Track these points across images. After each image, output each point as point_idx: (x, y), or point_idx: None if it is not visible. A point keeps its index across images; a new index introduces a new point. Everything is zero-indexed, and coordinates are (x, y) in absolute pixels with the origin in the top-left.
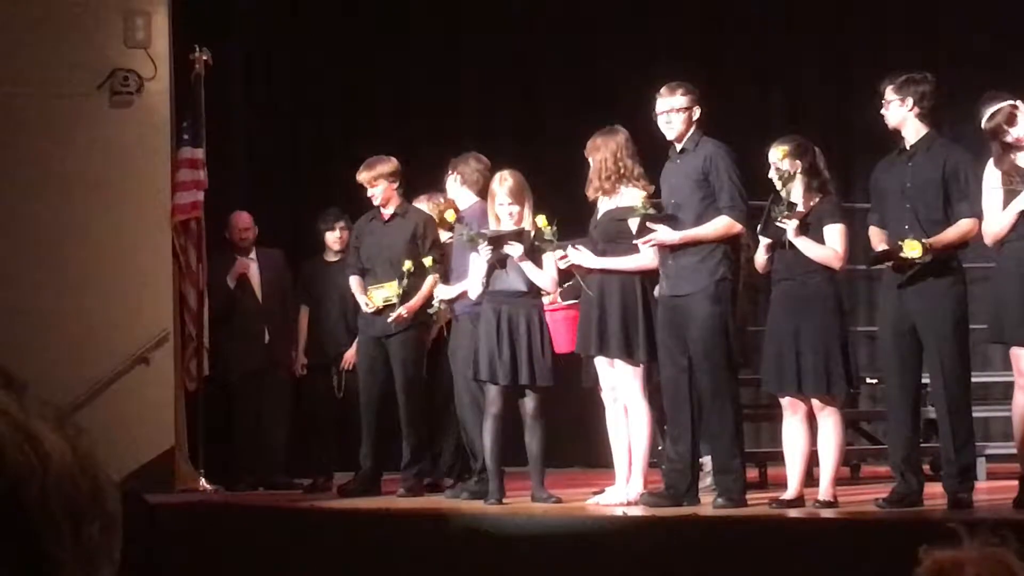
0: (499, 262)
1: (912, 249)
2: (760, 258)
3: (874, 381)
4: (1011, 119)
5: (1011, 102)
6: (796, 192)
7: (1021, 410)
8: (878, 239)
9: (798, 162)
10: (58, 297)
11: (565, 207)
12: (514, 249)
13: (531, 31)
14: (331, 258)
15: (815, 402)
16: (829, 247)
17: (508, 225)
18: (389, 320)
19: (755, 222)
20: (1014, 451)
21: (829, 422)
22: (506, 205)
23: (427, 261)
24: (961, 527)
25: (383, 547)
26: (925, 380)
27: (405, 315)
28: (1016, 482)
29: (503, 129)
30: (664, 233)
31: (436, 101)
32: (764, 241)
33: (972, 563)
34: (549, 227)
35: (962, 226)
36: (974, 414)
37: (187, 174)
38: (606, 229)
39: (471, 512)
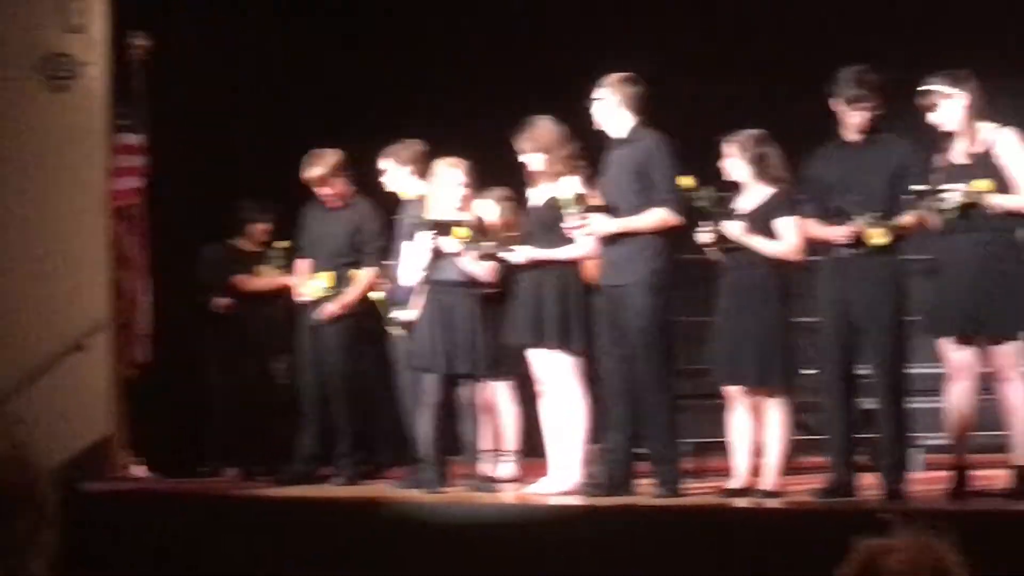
0: (437, 253)
1: (880, 238)
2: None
3: (810, 372)
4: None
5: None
6: (752, 188)
7: (954, 402)
8: (816, 229)
9: (744, 157)
10: None
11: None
12: (449, 244)
13: (475, 17)
14: (251, 248)
15: (761, 393)
16: (785, 241)
17: (452, 210)
18: (315, 315)
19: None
20: (948, 442)
21: (775, 413)
22: (459, 186)
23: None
24: (896, 517)
25: (320, 535)
26: (861, 371)
27: (335, 310)
28: (950, 473)
29: (442, 121)
30: (598, 222)
31: (384, 89)
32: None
33: (900, 551)
34: (468, 232)
35: (913, 216)
36: (910, 405)
37: (126, 160)
38: (543, 217)
39: (408, 500)
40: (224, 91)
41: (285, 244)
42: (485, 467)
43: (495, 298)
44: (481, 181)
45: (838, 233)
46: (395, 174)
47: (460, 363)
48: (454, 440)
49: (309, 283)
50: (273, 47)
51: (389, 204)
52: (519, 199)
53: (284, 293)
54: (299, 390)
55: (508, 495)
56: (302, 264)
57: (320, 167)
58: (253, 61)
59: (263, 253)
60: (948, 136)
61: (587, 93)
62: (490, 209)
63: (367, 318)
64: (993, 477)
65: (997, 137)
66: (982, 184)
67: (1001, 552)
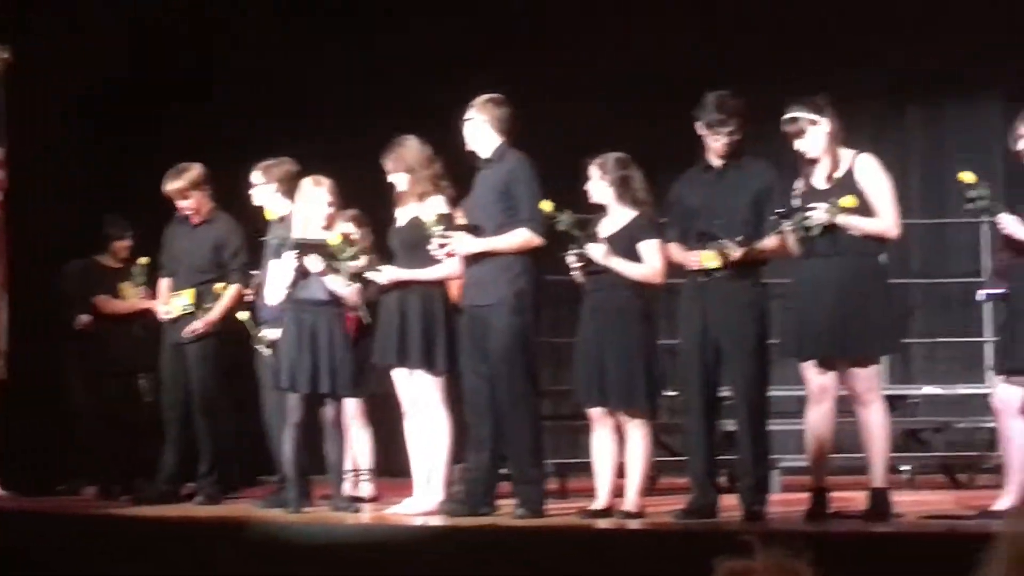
0: (302, 272)
1: (709, 260)
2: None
3: (673, 393)
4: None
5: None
6: (615, 211)
7: (813, 424)
8: (677, 253)
9: (607, 179)
10: None
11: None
12: (314, 263)
13: (341, 38)
14: (114, 264)
15: (623, 415)
16: (647, 264)
17: (317, 229)
18: (178, 332)
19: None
20: (807, 464)
21: (637, 434)
22: (324, 205)
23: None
24: (756, 539)
25: (181, 555)
26: (723, 392)
27: (201, 329)
28: (808, 495)
29: (309, 138)
30: (461, 242)
31: (238, 103)
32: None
33: (760, 572)
34: (348, 248)
35: (775, 240)
36: (769, 427)
37: None
38: (409, 236)
39: (271, 521)
40: (86, 104)
41: (146, 261)
42: (348, 487)
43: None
44: (347, 201)
45: (694, 257)
46: (264, 190)
47: (323, 382)
48: (318, 459)
49: (171, 300)
50: (138, 61)
51: (259, 221)
52: (383, 219)
53: (147, 311)
54: (162, 408)
55: (370, 515)
56: (164, 281)
57: (180, 180)
58: (117, 75)
59: (126, 270)
60: (809, 162)
61: (457, 113)
62: (346, 230)
63: (231, 336)
64: (851, 499)
65: (857, 162)
66: (848, 200)
67: (857, 574)
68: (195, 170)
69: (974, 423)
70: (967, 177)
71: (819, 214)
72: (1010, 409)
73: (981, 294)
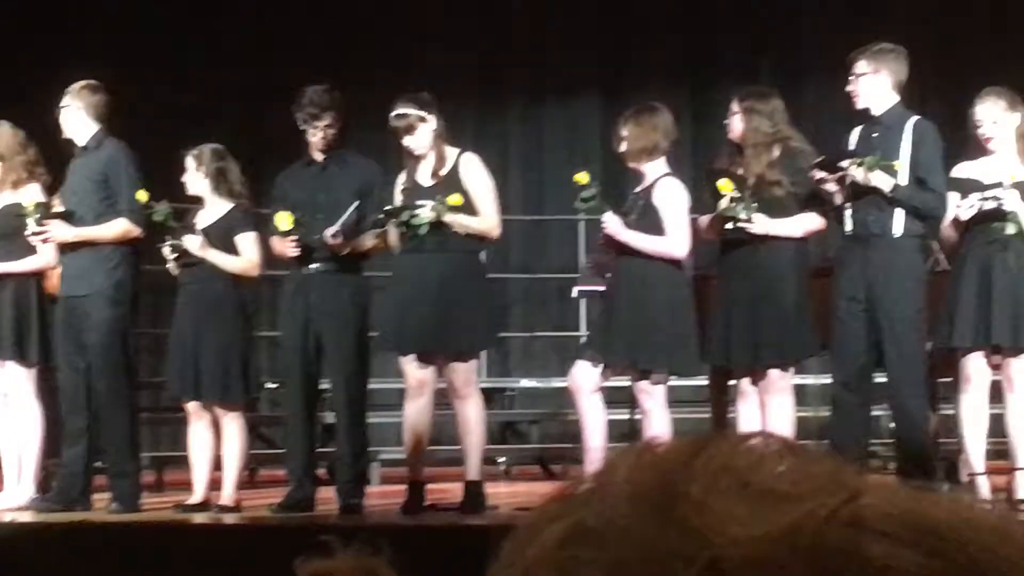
0: None
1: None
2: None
3: (273, 385)
4: None
5: None
6: (212, 203)
7: (411, 417)
8: (277, 245)
9: (203, 171)
10: None
11: None
12: None
13: None
14: None
15: (218, 408)
16: (244, 256)
17: None
18: None
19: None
20: (405, 456)
21: (232, 427)
22: None
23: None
24: (335, 539)
25: None
26: (324, 385)
27: None
28: (406, 487)
29: None
30: (58, 230)
31: None
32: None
33: (340, 572)
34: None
35: (376, 237)
36: (369, 420)
37: None
38: (3, 224)
39: None
40: None
41: None
42: None
43: None
44: None
45: (293, 249)
46: None
47: None
48: None
49: None
50: None
51: None
52: None
53: None
54: None
55: None
56: None
57: None
58: None
59: None
60: (414, 158)
61: (55, 100)
62: None
63: None
64: (448, 491)
65: (461, 160)
66: (454, 198)
67: (450, 566)
68: None
69: (569, 415)
70: (582, 178)
71: (425, 212)
72: (585, 389)
73: (576, 291)
